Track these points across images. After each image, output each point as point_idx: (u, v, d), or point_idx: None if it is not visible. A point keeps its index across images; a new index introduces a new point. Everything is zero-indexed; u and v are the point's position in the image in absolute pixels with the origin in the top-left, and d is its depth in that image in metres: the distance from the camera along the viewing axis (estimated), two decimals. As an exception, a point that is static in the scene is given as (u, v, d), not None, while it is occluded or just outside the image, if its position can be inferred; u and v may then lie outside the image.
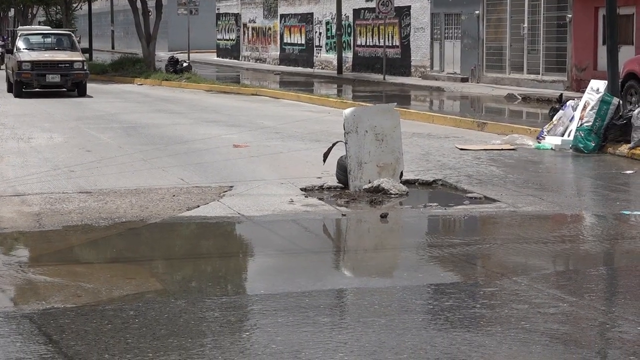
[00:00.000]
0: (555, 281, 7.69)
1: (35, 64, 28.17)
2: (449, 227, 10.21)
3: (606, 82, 16.04)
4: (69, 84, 28.49)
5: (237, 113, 23.01)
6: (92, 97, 27.94)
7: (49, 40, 30.94)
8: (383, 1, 34.02)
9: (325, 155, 12.38)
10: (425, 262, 8.38)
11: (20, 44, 29.83)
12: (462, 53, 33.55)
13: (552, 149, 15.99)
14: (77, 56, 29.26)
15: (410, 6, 36.83)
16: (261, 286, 7.49)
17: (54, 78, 28.19)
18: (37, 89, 28.84)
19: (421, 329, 6.31)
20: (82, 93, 28.53)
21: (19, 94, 28.24)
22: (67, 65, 28.43)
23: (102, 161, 14.30)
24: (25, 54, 28.84)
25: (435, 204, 11.05)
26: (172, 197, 11.25)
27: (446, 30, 35.05)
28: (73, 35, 31.81)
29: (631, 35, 26.54)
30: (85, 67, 28.81)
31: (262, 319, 6.54)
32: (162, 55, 48.68)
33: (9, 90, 29.75)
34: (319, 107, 24.89)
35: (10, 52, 30.14)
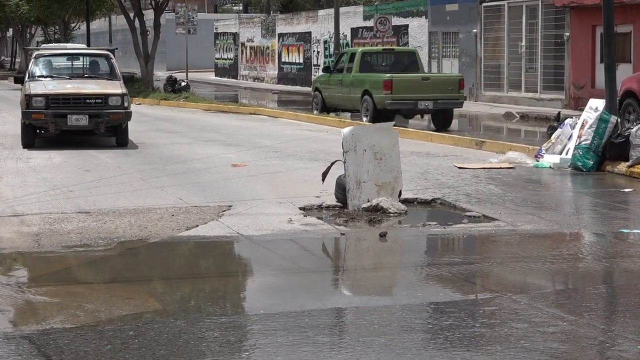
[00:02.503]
0: (555, 300, 7.68)
1: (51, 99, 19.02)
2: (448, 246, 10.21)
3: (604, 100, 16.07)
4: (102, 128, 19.14)
5: (236, 132, 23.03)
6: (137, 147, 19.33)
7: (78, 63, 21.39)
8: (381, 20, 34.14)
9: (324, 175, 12.39)
10: (425, 281, 8.37)
11: (35, 69, 20.53)
12: (460, 71, 33.60)
13: (550, 167, 16.00)
14: (114, 87, 19.65)
15: (408, 25, 36.95)
16: (260, 306, 7.48)
17: (78, 120, 18.97)
18: (57, 134, 19.55)
19: (421, 349, 6.30)
20: (123, 142, 19.56)
21: (28, 143, 19.25)
22: (100, 100, 19.17)
23: (101, 181, 14.30)
24: (38, 85, 19.58)
25: (434, 222, 11.05)
26: (170, 216, 11.24)
27: (444, 49, 35.16)
28: (113, 56, 21.60)
29: (629, 53, 26.63)
30: (126, 104, 19.32)
31: (261, 338, 6.53)
32: (161, 74, 48.75)
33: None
34: (317, 126, 24.92)
35: (21, 81, 20.69)
